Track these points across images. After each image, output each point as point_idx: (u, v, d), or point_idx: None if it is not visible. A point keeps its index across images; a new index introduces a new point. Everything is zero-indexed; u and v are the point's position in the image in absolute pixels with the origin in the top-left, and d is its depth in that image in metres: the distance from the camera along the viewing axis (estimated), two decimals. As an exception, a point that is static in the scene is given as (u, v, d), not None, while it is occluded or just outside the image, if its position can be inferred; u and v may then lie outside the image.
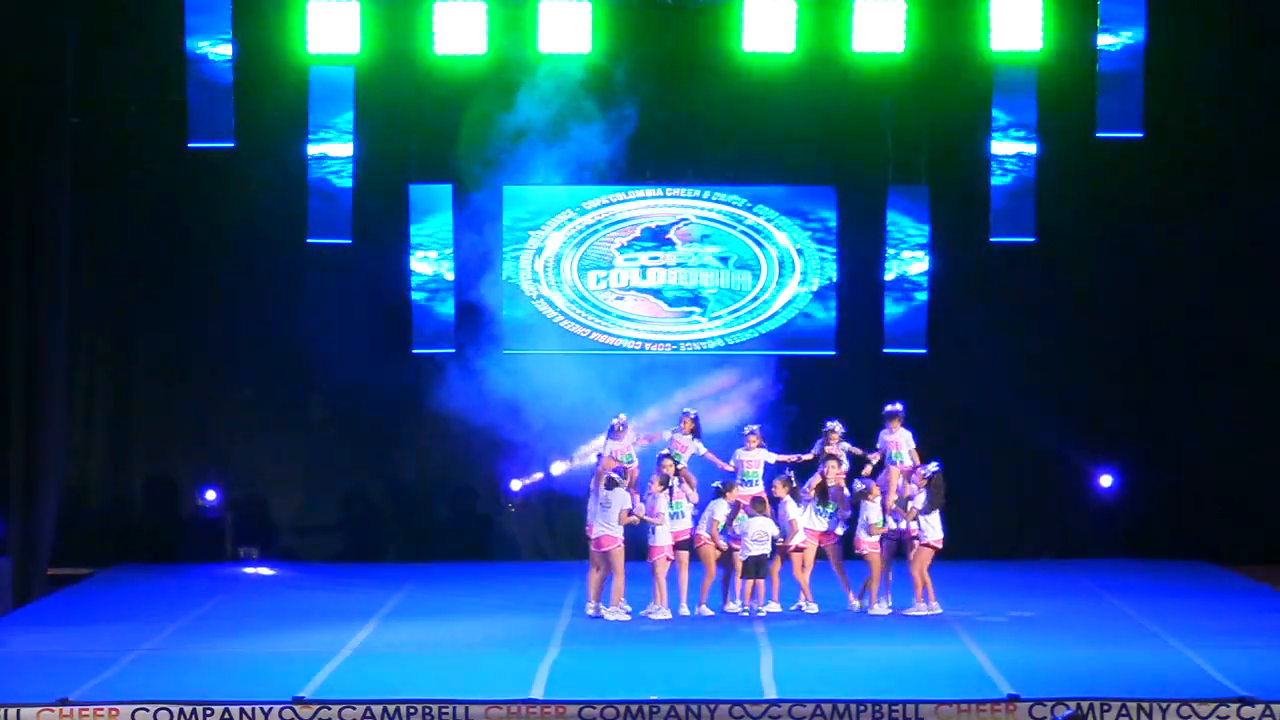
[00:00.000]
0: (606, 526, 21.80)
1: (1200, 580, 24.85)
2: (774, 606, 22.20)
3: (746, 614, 21.98)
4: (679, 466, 22.21)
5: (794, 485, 22.27)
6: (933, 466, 22.08)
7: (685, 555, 22.12)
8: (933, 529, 21.94)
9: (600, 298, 26.78)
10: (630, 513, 21.78)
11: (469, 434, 26.58)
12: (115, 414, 26.97)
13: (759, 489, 22.40)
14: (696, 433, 22.83)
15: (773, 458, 22.74)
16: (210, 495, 26.75)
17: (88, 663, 19.26)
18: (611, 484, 21.82)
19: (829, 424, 22.68)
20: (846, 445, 22.65)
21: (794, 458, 22.84)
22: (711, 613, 22.13)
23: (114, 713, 17.26)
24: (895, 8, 25.40)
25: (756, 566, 21.97)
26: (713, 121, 26.46)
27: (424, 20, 25.54)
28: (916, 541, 21.95)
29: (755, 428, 22.99)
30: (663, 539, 21.91)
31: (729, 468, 22.62)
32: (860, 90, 26.04)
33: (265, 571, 26.19)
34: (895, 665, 19.24)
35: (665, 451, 22.32)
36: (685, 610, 22.10)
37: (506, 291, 26.71)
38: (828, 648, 20.36)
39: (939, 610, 21.95)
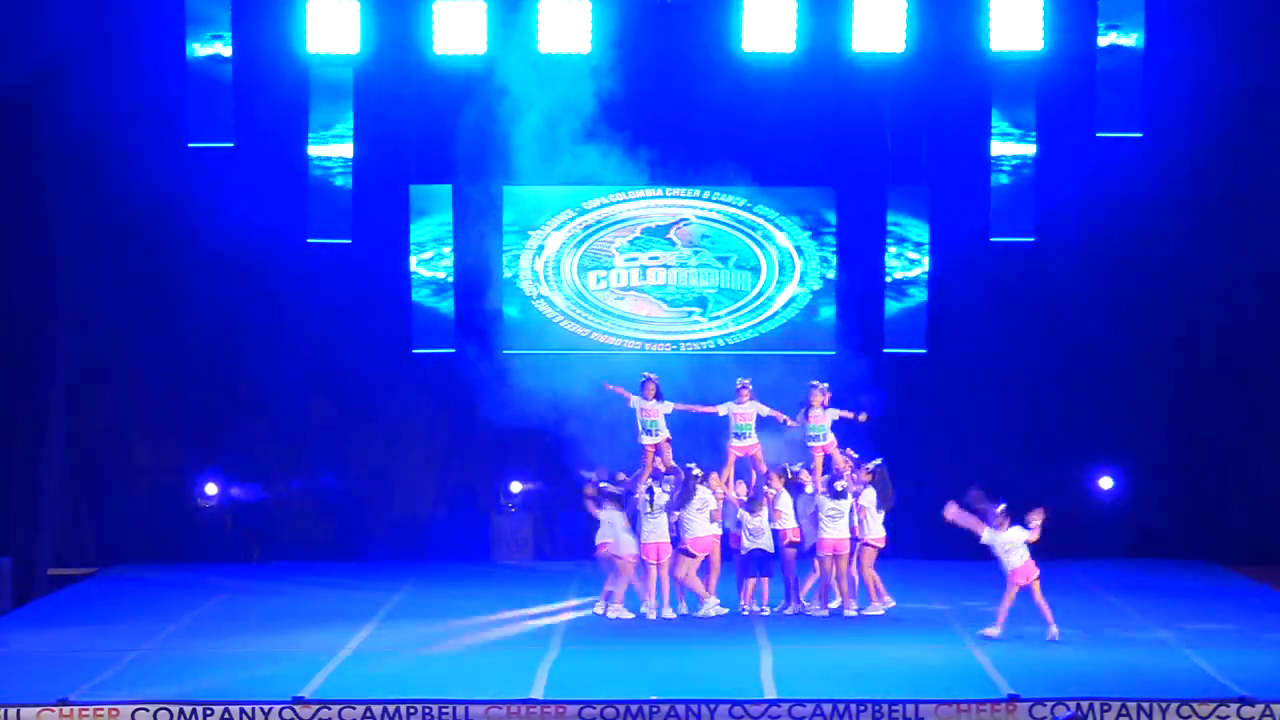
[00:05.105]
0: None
1: (1201, 580, 24.85)
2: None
3: (747, 613, 21.97)
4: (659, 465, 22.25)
5: (790, 477, 22.18)
6: (876, 461, 22.08)
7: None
8: (873, 528, 21.92)
9: (600, 298, 26.77)
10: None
11: (468, 433, 26.62)
12: (115, 414, 26.95)
13: (752, 442, 22.42)
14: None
15: (765, 411, 22.58)
16: (210, 489, 26.72)
17: (88, 663, 19.26)
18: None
19: (813, 383, 22.63)
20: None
21: (783, 416, 22.64)
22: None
23: (114, 713, 17.26)
24: (895, 7, 25.42)
25: (760, 564, 21.98)
26: (713, 121, 26.46)
27: (424, 20, 25.56)
28: (858, 542, 21.94)
29: (748, 380, 22.74)
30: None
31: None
32: (860, 90, 26.06)
33: (265, 571, 26.17)
34: (895, 665, 19.24)
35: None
36: (684, 609, 22.10)
37: (506, 291, 26.71)
38: (828, 648, 20.36)
39: (893, 604, 22.02)
